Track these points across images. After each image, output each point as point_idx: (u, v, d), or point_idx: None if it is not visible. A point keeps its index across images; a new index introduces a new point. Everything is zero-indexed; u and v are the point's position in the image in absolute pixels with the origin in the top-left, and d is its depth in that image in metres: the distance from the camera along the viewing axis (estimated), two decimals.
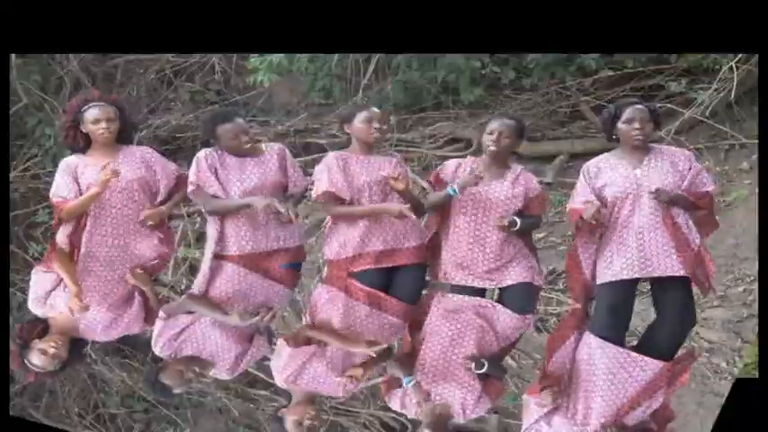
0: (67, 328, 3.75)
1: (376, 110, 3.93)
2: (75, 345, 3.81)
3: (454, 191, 3.71)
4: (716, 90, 6.48)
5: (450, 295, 3.80)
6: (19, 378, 6.92)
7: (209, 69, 8.24)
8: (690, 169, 3.65)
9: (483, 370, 3.74)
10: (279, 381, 3.92)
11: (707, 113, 6.53)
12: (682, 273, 3.55)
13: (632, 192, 3.62)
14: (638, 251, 3.58)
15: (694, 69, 6.90)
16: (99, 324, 3.81)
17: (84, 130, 3.80)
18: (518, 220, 3.71)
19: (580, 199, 3.74)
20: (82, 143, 3.83)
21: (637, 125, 3.63)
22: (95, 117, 3.77)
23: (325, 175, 3.80)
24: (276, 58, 6.79)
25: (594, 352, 3.63)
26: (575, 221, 3.72)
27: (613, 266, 3.62)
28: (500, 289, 3.85)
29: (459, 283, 3.82)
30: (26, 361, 3.69)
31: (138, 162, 3.87)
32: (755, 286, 5.64)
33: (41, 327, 3.71)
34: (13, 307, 7.03)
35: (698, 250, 3.60)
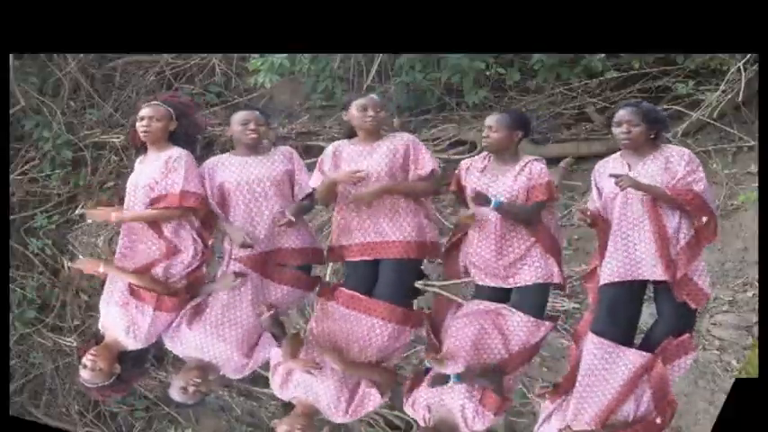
0: None
1: (374, 97, 3.93)
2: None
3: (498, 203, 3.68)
4: (723, 92, 6.42)
5: (469, 299, 3.81)
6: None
7: (210, 71, 8.16)
8: (684, 166, 3.54)
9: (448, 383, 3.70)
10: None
11: (714, 115, 6.45)
12: (663, 278, 3.49)
13: (621, 192, 3.56)
14: (626, 253, 3.54)
15: (701, 70, 6.82)
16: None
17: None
18: (492, 198, 3.66)
19: (591, 201, 3.77)
20: None
21: (623, 128, 3.60)
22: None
23: (318, 169, 3.92)
24: (277, 59, 6.73)
25: (587, 349, 3.60)
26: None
27: (608, 268, 3.58)
28: (515, 289, 3.79)
29: (477, 282, 3.85)
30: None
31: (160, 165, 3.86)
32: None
33: None
34: (13, 303, 6.99)
35: (675, 258, 3.50)
